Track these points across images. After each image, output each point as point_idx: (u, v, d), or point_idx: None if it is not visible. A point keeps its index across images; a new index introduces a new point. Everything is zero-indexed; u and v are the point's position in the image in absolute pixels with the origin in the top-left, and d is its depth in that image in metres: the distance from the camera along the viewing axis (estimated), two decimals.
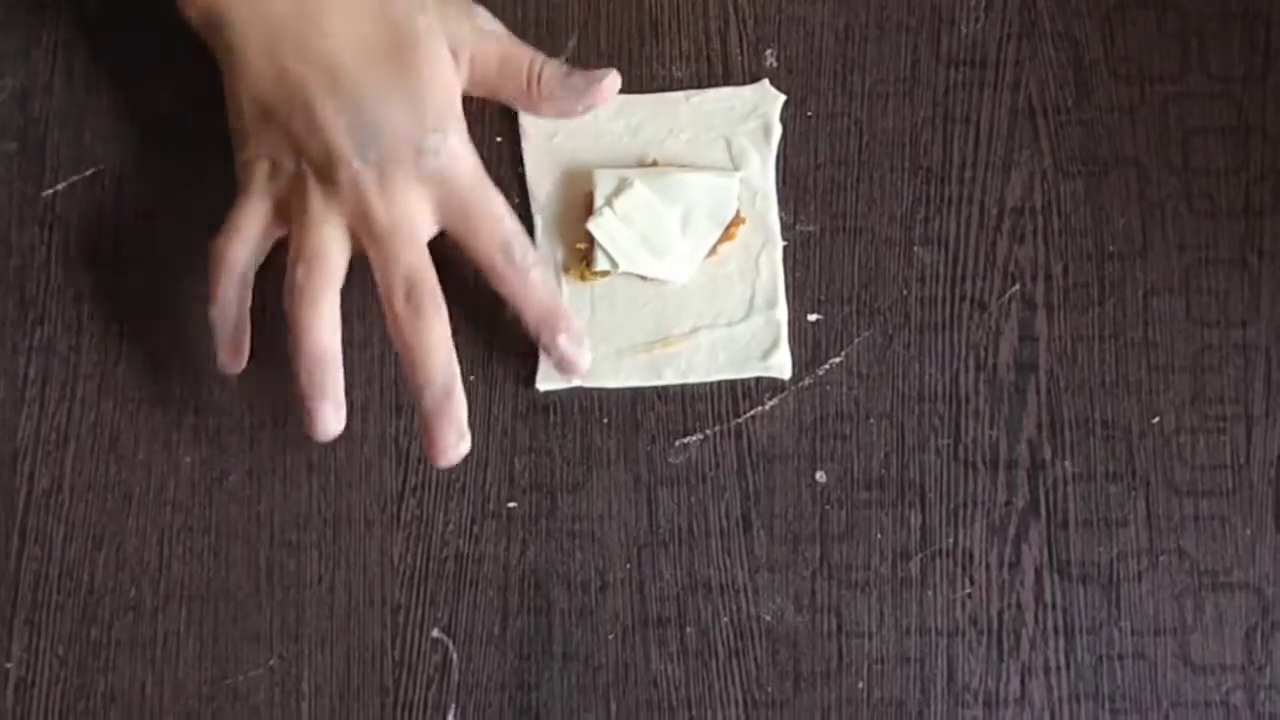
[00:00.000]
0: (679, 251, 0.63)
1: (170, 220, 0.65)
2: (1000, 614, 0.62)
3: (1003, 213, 0.65)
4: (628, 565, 0.63)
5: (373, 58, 0.60)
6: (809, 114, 0.65)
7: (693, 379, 0.64)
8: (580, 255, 0.64)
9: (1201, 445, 0.63)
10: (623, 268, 0.63)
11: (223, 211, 0.64)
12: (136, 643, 0.62)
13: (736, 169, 0.64)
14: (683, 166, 0.64)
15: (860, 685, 0.62)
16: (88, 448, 0.63)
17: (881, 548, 0.63)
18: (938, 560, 0.63)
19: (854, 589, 0.63)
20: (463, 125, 0.62)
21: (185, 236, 0.64)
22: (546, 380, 0.64)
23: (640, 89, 0.65)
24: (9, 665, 0.62)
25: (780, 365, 0.64)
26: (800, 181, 0.65)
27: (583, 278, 0.64)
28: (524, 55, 0.63)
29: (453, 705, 0.62)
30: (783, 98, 0.65)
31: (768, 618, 0.62)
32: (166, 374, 0.64)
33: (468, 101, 0.63)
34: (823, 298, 0.64)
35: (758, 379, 0.64)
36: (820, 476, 0.63)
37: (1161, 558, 0.63)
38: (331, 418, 0.60)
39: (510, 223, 0.61)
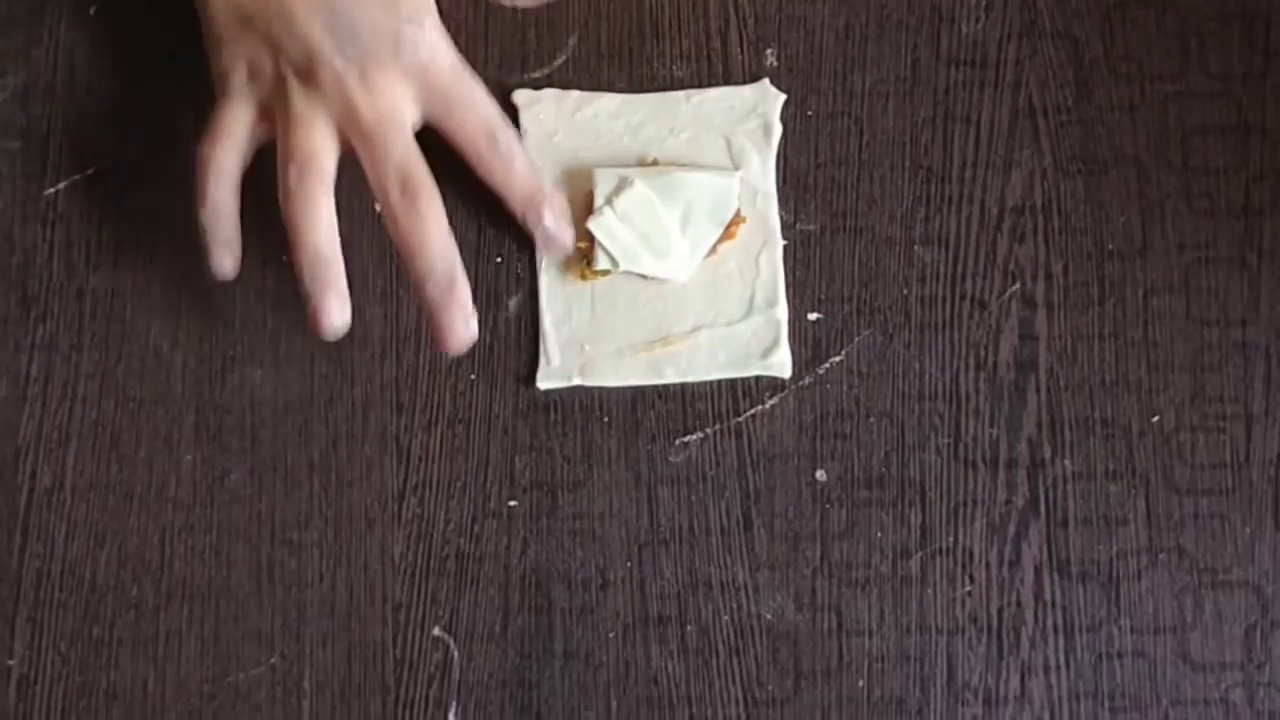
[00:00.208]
0: (679, 251, 0.63)
1: (171, 219, 0.65)
2: (1000, 612, 0.62)
3: (1003, 212, 0.65)
4: (628, 563, 0.63)
5: None
6: (809, 113, 0.65)
7: (693, 378, 0.64)
8: (580, 254, 0.64)
9: (1201, 444, 0.63)
10: (623, 267, 0.63)
11: None
12: (138, 641, 0.62)
13: (737, 168, 0.65)
14: (683, 166, 0.64)
15: (860, 683, 0.62)
16: (89, 446, 0.63)
17: (882, 546, 0.63)
18: (938, 559, 0.63)
19: (854, 587, 0.63)
20: (437, 16, 0.62)
21: (186, 234, 0.65)
22: (547, 379, 0.64)
23: (641, 88, 0.65)
24: (11, 663, 0.62)
25: (780, 364, 0.64)
26: (800, 181, 0.65)
27: (583, 277, 0.64)
28: None
29: (454, 703, 0.62)
30: (783, 97, 0.65)
31: (768, 616, 0.62)
32: (168, 373, 0.64)
33: None
34: (823, 297, 0.64)
35: (758, 378, 0.64)
36: (820, 475, 0.63)
37: (1161, 556, 0.63)
38: (337, 311, 0.60)
39: (491, 109, 0.62)
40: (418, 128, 0.62)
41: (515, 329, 0.64)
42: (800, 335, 0.64)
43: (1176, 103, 0.65)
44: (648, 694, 0.62)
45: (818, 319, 0.64)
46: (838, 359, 0.64)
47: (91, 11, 0.66)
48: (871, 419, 0.64)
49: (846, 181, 0.65)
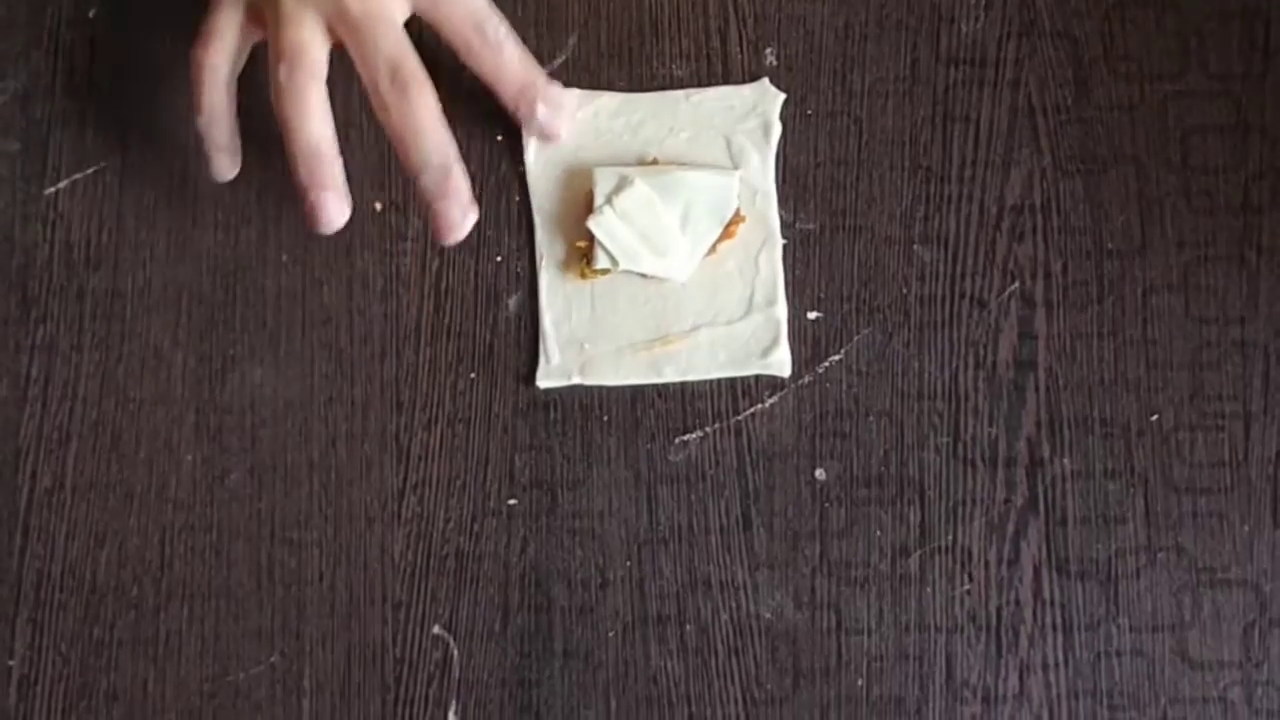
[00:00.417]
0: (679, 250, 0.63)
1: (172, 219, 0.65)
2: (999, 611, 0.62)
3: (1002, 211, 0.65)
4: (628, 562, 0.63)
5: None
6: (809, 112, 0.65)
7: (692, 377, 0.64)
8: (580, 253, 0.64)
9: (1200, 442, 0.63)
10: (623, 266, 0.63)
11: (223, 208, 0.65)
12: (138, 640, 0.63)
13: (736, 167, 0.65)
14: (683, 165, 0.64)
15: (859, 682, 0.62)
16: (90, 446, 0.63)
17: (881, 545, 0.63)
18: (937, 557, 0.63)
19: (853, 586, 0.63)
20: None
21: (187, 235, 0.65)
22: (547, 378, 0.64)
23: (640, 87, 0.65)
24: (12, 663, 0.62)
25: (780, 363, 0.64)
26: (800, 180, 0.65)
27: (583, 276, 0.64)
28: None
29: (453, 702, 0.62)
30: (782, 96, 0.65)
31: (767, 615, 0.63)
32: (168, 373, 0.64)
33: (467, 101, 0.63)
34: (822, 296, 0.64)
35: (757, 377, 0.64)
36: (820, 474, 0.63)
37: (1160, 555, 0.63)
38: (334, 206, 0.60)
39: (480, 2, 0.62)
40: (405, 18, 0.62)
41: (515, 328, 0.64)
42: (800, 334, 0.64)
43: (1175, 102, 0.65)
44: (647, 693, 0.62)
45: (817, 318, 0.64)
46: (837, 358, 0.64)
47: (91, 14, 0.66)
48: (871, 418, 0.64)
49: (846, 181, 0.65)
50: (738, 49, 0.66)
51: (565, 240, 0.64)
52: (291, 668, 0.63)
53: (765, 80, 0.65)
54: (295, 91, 0.60)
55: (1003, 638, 0.62)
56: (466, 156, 0.65)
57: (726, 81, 0.66)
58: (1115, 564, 0.63)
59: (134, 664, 0.62)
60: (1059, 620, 0.62)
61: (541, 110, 0.62)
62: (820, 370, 0.64)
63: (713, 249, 0.64)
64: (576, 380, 0.64)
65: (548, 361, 0.64)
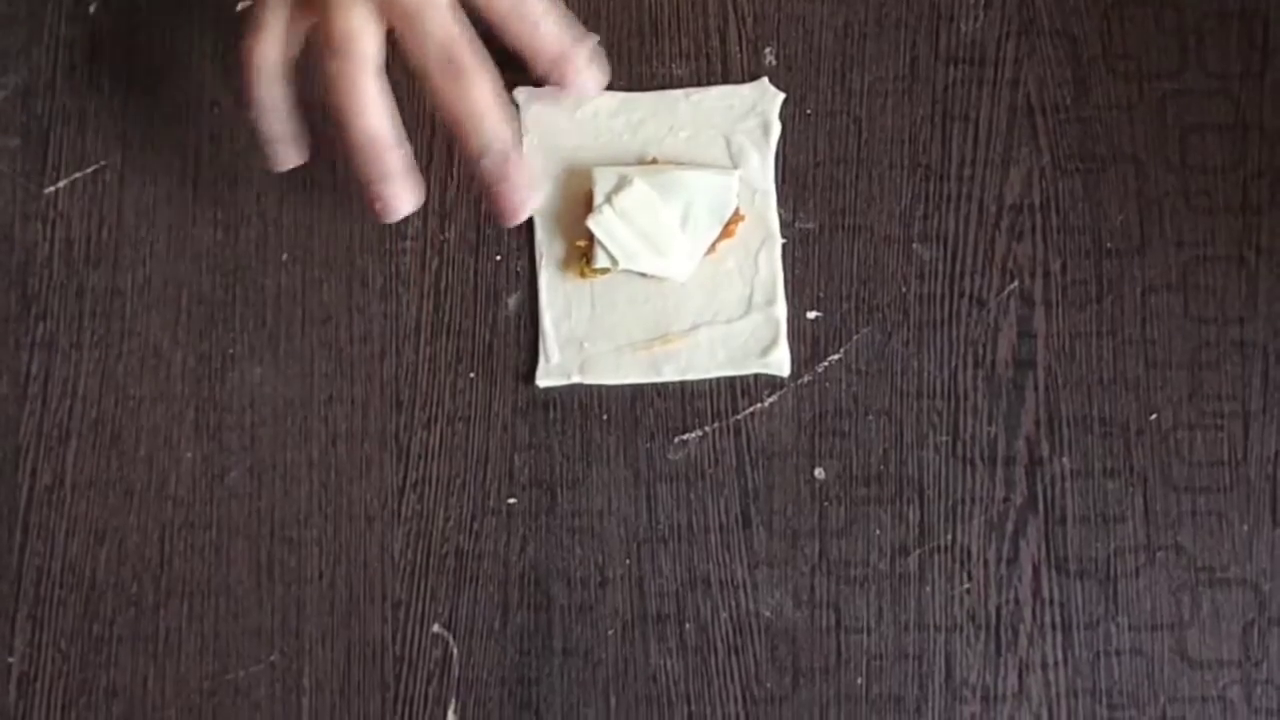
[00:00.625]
0: (678, 249, 0.63)
1: (172, 217, 0.65)
2: (998, 610, 0.62)
3: (1001, 210, 0.65)
4: (627, 561, 0.63)
5: None
6: (808, 112, 0.65)
7: (692, 376, 0.64)
8: (580, 252, 0.64)
9: (1199, 442, 0.63)
10: (622, 265, 0.63)
11: (223, 207, 0.65)
12: (138, 638, 0.63)
13: (736, 166, 0.65)
14: (682, 164, 0.65)
15: (859, 681, 0.62)
16: (89, 444, 0.64)
17: (880, 544, 0.63)
18: (936, 556, 0.63)
19: (852, 585, 0.63)
20: None
21: (187, 233, 0.65)
22: (546, 377, 0.64)
23: (640, 87, 0.65)
24: (11, 660, 0.62)
25: (779, 362, 0.64)
26: (799, 179, 0.65)
27: (582, 275, 0.64)
28: None
29: (453, 700, 0.62)
30: (782, 96, 0.65)
31: (767, 613, 0.63)
32: (167, 370, 0.64)
33: None
34: (822, 295, 0.64)
35: (757, 376, 0.64)
36: (819, 473, 0.63)
37: (1159, 554, 0.63)
38: (399, 195, 0.59)
39: None
40: None
41: (515, 327, 0.64)
42: (799, 333, 0.64)
43: (1175, 101, 0.65)
44: (646, 691, 0.62)
45: (816, 317, 0.64)
46: (836, 357, 0.64)
47: (91, 10, 0.66)
48: (870, 417, 0.64)
49: (845, 180, 0.65)
50: (737, 48, 0.66)
51: (565, 239, 0.65)
52: (291, 666, 0.63)
53: (765, 80, 0.65)
54: (348, 82, 0.58)
55: (1002, 636, 0.62)
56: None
57: (726, 81, 0.66)
58: (1114, 563, 0.63)
59: (133, 661, 0.62)
60: (1058, 619, 0.62)
61: (575, 72, 0.61)
62: (819, 369, 0.64)
63: (712, 248, 0.64)
64: (576, 379, 0.64)
65: (547, 360, 0.64)
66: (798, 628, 0.63)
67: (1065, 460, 0.63)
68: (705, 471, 0.63)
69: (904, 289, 0.64)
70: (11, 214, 0.65)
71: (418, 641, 0.63)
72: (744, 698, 0.62)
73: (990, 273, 0.64)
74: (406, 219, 0.64)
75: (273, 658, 0.63)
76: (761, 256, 0.64)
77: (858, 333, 0.64)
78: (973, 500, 0.63)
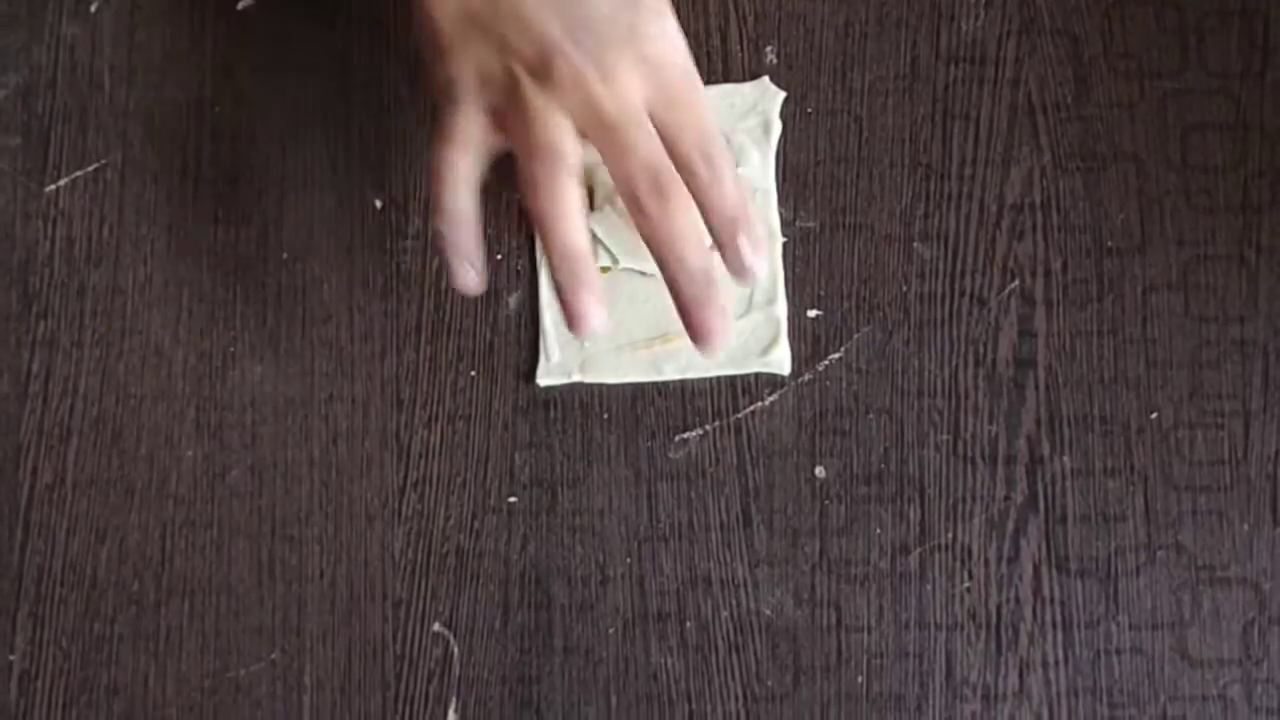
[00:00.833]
0: None
1: (172, 215, 0.65)
2: (999, 609, 0.62)
3: (1002, 209, 0.65)
4: (628, 560, 0.63)
5: None
6: (809, 110, 0.65)
7: (692, 374, 0.64)
8: None
9: (1199, 441, 0.63)
10: (623, 264, 0.63)
11: (224, 205, 0.65)
12: (139, 636, 0.63)
13: (737, 165, 0.65)
14: None
15: (859, 679, 0.62)
16: (90, 442, 0.64)
17: (880, 543, 0.63)
18: (936, 555, 0.63)
19: (853, 583, 0.63)
20: (672, 11, 0.59)
21: (187, 231, 0.65)
22: (547, 376, 0.64)
23: None
24: (13, 658, 0.62)
25: (780, 361, 0.64)
26: (800, 178, 0.65)
27: None
28: None
29: (454, 699, 0.62)
30: (783, 94, 0.65)
31: (767, 612, 0.63)
32: (168, 369, 0.64)
33: None
34: (822, 293, 0.64)
35: (757, 375, 0.64)
36: (820, 472, 0.63)
37: (1159, 553, 0.63)
38: (595, 312, 0.57)
39: (712, 119, 0.59)
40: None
41: (515, 326, 0.64)
42: (800, 332, 0.64)
43: (1175, 100, 0.65)
44: (647, 690, 0.62)
45: (817, 316, 0.64)
46: (837, 356, 0.64)
47: (93, 9, 0.66)
48: (871, 415, 0.64)
49: (846, 179, 0.65)
50: (738, 47, 0.66)
51: None
52: (292, 664, 0.63)
53: (765, 78, 0.65)
54: (554, 190, 0.57)
55: (1002, 635, 0.62)
56: None
57: (727, 79, 0.66)
58: (1115, 562, 0.63)
59: (134, 659, 0.62)
60: (1059, 618, 0.62)
61: (743, 243, 0.59)
62: (820, 368, 0.64)
63: (713, 247, 0.64)
64: (577, 378, 0.64)
65: (548, 359, 0.64)
66: (798, 626, 0.63)
67: (1066, 459, 0.63)
68: (706, 470, 0.63)
69: (905, 288, 0.64)
70: (12, 212, 0.65)
71: (418, 640, 0.63)
72: (745, 696, 0.62)
73: (991, 272, 0.64)
74: (406, 218, 0.64)
75: (273, 656, 0.63)
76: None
77: (858, 331, 0.64)
78: (973, 499, 0.63)
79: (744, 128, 0.65)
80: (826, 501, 0.63)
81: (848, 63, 0.66)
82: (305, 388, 0.64)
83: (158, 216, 0.65)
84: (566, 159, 0.57)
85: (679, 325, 0.63)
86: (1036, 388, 0.64)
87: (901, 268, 0.64)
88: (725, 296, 0.58)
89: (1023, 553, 0.63)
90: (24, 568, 0.63)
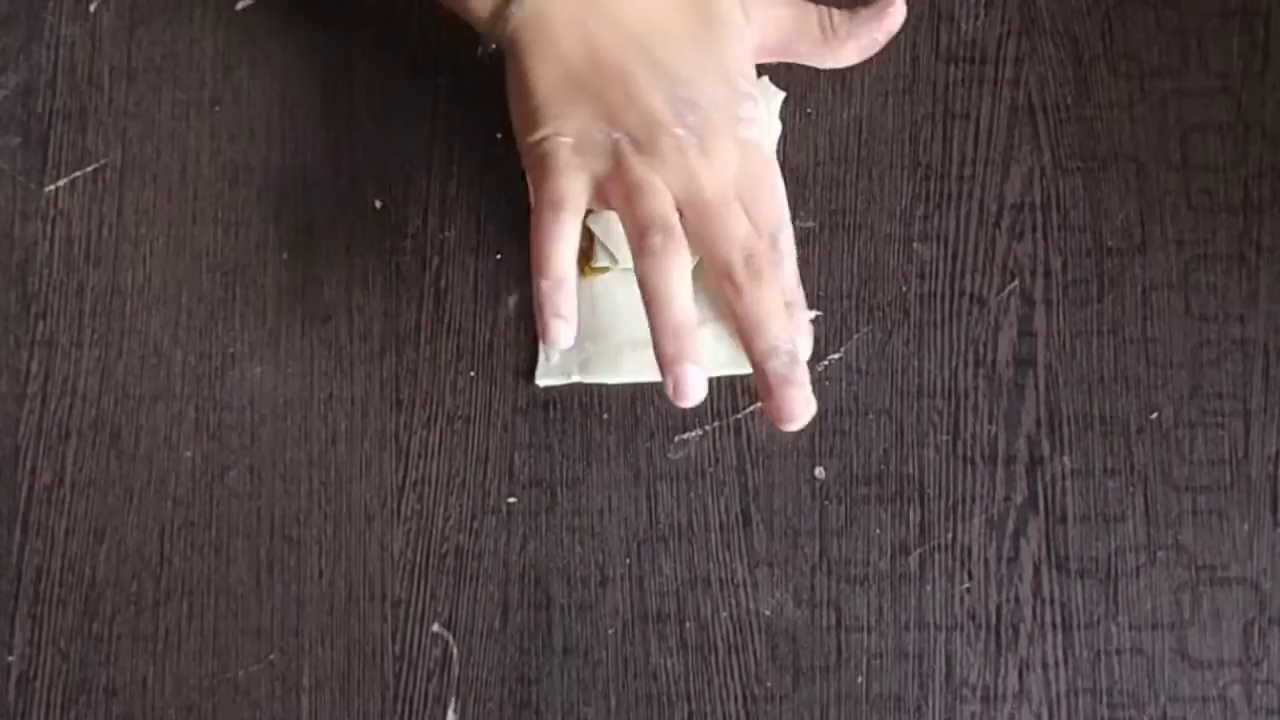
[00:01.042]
0: None
1: (172, 216, 0.65)
2: (998, 609, 0.62)
3: (1002, 209, 0.65)
4: (627, 560, 0.63)
5: (679, 25, 0.59)
6: (809, 111, 0.65)
7: None
8: (581, 251, 0.64)
9: (1200, 440, 0.63)
10: (623, 264, 0.63)
11: (224, 205, 0.65)
12: (137, 637, 0.63)
13: None
14: None
15: (859, 680, 0.62)
16: (89, 442, 0.64)
17: (880, 543, 0.63)
18: (936, 555, 0.63)
19: (853, 584, 0.63)
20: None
21: (187, 232, 0.65)
22: (546, 376, 0.64)
23: None
24: (11, 659, 0.62)
25: None
26: (800, 178, 0.65)
27: (583, 274, 0.64)
28: (811, 8, 0.63)
29: (453, 699, 0.62)
30: (782, 94, 0.65)
31: (767, 612, 0.63)
32: (167, 369, 0.64)
33: (465, 98, 0.63)
34: (822, 294, 0.64)
35: None
36: (819, 472, 0.63)
37: (1159, 553, 0.63)
38: (696, 384, 0.57)
39: (785, 207, 0.60)
40: None
41: (515, 326, 0.64)
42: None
43: (1175, 100, 0.65)
44: (647, 690, 0.62)
45: (817, 316, 0.64)
46: (837, 356, 0.64)
47: (92, 9, 0.66)
48: (870, 416, 0.64)
49: (846, 179, 0.65)
50: None
51: None
52: (291, 665, 0.63)
53: (765, 78, 0.65)
54: (665, 261, 0.57)
55: (1002, 636, 0.62)
56: (465, 157, 0.65)
57: None
58: (1115, 562, 0.63)
59: (133, 660, 0.62)
60: (1059, 618, 0.62)
61: (795, 326, 0.60)
62: (820, 368, 0.64)
63: None
64: (576, 378, 0.64)
65: (547, 359, 0.64)
66: (798, 627, 0.62)
67: (1066, 459, 0.63)
68: (705, 470, 0.63)
69: (904, 288, 0.64)
70: (12, 213, 0.65)
71: (417, 640, 0.63)
72: (744, 697, 0.62)
73: (991, 272, 0.64)
74: (406, 218, 0.64)
75: (272, 656, 0.63)
76: None
77: (858, 332, 0.64)
78: (973, 499, 0.63)
79: None
80: (826, 502, 0.63)
81: None
82: (304, 388, 0.64)
83: (157, 216, 0.65)
84: (677, 229, 0.58)
85: None
86: (1036, 388, 0.64)
87: (901, 268, 0.64)
88: (807, 378, 0.58)
89: (1023, 553, 0.63)
90: (23, 568, 0.63)
